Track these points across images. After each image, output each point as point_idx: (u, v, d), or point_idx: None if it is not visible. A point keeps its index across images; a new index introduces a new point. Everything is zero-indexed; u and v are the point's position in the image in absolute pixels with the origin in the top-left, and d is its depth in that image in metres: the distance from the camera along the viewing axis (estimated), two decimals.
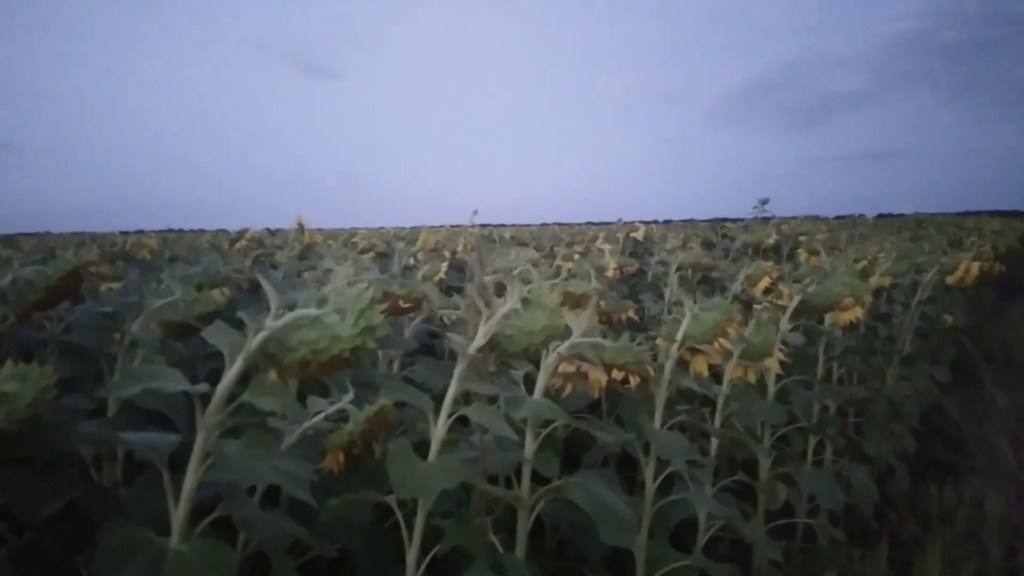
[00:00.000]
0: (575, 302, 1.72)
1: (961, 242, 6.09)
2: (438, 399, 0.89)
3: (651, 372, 1.25)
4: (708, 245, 4.58)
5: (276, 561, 0.82)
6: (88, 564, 1.08)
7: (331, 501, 0.85)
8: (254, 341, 0.70)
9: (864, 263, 3.07)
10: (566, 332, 1.10)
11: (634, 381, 1.22)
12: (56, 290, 1.06)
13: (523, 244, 4.96)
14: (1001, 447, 2.74)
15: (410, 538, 0.87)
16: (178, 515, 0.67)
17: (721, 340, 1.35)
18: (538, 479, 1.15)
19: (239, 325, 0.71)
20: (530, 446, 1.12)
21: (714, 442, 1.58)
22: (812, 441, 2.10)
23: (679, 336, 1.34)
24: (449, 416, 0.88)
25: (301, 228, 2.71)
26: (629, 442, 1.30)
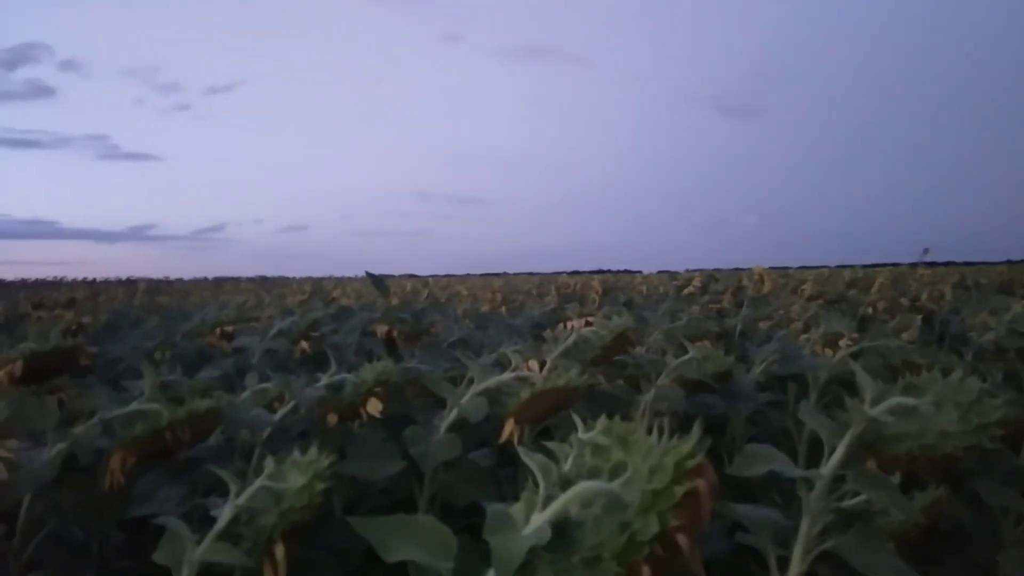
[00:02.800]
0: None
1: None
2: None
3: None
4: None
5: None
6: None
7: None
8: (856, 428, 0.69)
9: None
10: None
11: None
12: (609, 349, 1.22)
13: (1006, 292, 4.17)
14: None
15: None
16: None
17: None
18: None
19: None
20: None
21: None
22: None
23: None
24: None
25: (761, 278, 2.70)
26: None
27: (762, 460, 0.69)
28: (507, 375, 1.07)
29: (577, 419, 0.54)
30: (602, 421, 0.52)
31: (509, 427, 1.06)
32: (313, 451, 0.73)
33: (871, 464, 0.72)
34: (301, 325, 1.72)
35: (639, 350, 1.61)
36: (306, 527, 0.69)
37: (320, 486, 0.69)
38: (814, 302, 3.60)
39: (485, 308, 3.50)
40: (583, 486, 0.46)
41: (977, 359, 2.00)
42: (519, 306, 3.85)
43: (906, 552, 1.08)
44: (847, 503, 0.75)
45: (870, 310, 3.25)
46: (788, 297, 3.54)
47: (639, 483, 0.45)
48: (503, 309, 3.84)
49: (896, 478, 0.98)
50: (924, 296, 3.88)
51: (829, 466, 0.69)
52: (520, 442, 1.10)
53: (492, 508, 0.45)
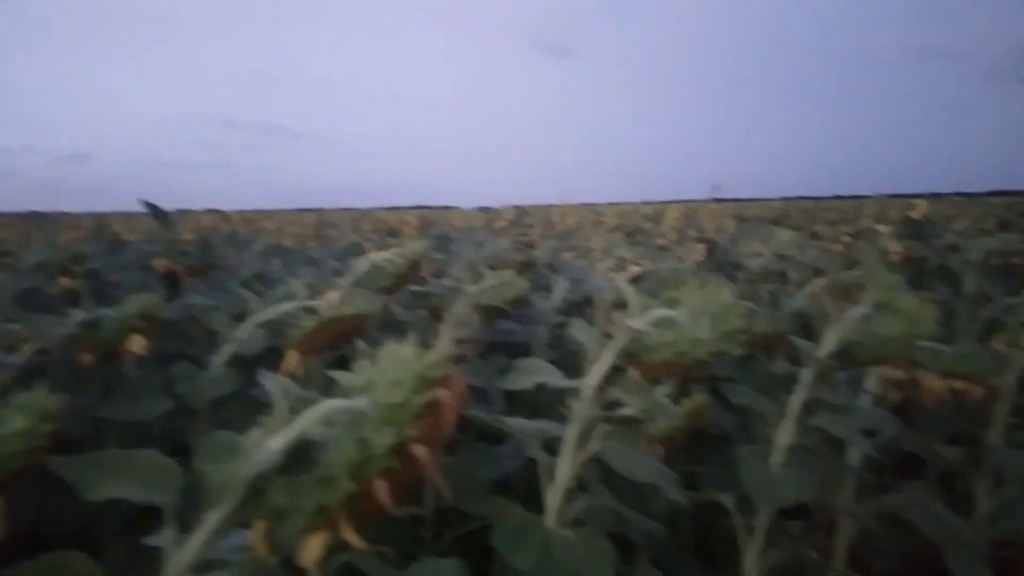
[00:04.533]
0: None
1: None
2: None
3: (998, 384, 1.11)
4: (1004, 226, 3.97)
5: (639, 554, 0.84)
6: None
7: (676, 496, 0.86)
8: (620, 340, 0.72)
9: None
10: None
11: (975, 392, 1.09)
12: (403, 276, 1.19)
13: (775, 223, 4.68)
14: None
15: (748, 542, 0.86)
16: (553, 500, 0.71)
17: None
18: None
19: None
20: (856, 456, 1.05)
21: None
22: None
23: None
24: (795, 422, 0.84)
25: (561, 211, 2.79)
26: (961, 459, 1.16)
27: (532, 373, 0.71)
28: (287, 305, 1.01)
29: (361, 346, 0.51)
30: (390, 346, 0.49)
31: (292, 358, 1.01)
32: (39, 392, 0.64)
33: (634, 373, 0.75)
34: (60, 258, 1.51)
35: (446, 281, 1.60)
36: (30, 474, 0.61)
37: (46, 428, 0.61)
38: (614, 234, 3.82)
39: (288, 243, 3.32)
40: (323, 404, 0.43)
41: (748, 282, 2.22)
42: (329, 242, 3.71)
43: (675, 455, 1.18)
44: (617, 412, 0.79)
45: (662, 241, 3.50)
46: (591, 230, 3.71)
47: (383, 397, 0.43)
48: (313, 245, 3.68)
49: (667, 388, 1.06)
50: (710, 228, 4.25)
51: (593, 376, 0.72)
52: (310, 374, 1.05)
53: (213, 436, 0.41)
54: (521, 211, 4.71)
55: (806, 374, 0.84)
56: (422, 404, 0.41)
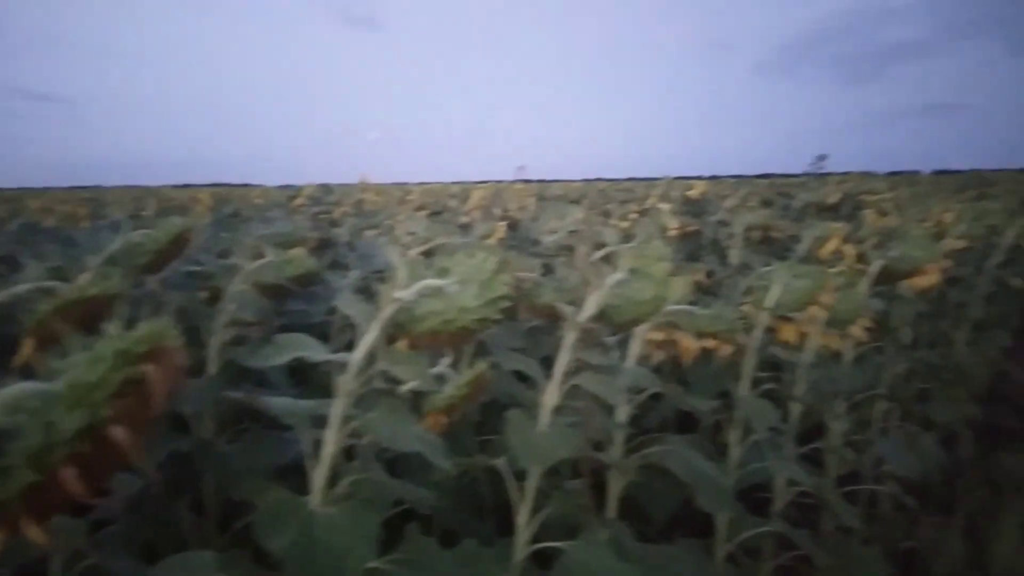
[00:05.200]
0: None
1: None
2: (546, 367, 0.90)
3: (742, 340, 1.24)
4: (766, 204, 4.48)
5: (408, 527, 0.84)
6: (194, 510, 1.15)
7: (443, 464, 0.87)
8: (386, 311, 0.71)
9: (931, 224, 2.99)
10: None
11: (725, 349, 1.22)
12: (165, 253, 1.09)
13: (573, 202, 4.92)
14: None
15: (520, 501, 0.89)
16: (319, 478, 0.69)
17: (813, 308, 1.34)
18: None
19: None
20: (623, 413, 1.13)
21: (794, 409, 1.57)
22: (882, 408, 2.08)
23: (769, 304, 1.32)
24: (560, 385, 0.89)
25: (363, 188, 2.73)
26: (716, 410, 1.30)
27: (291, 348, 0.68)
28: (20, 288, 0.89)
29: (110, 327, 0.45)
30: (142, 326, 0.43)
31: (28, 346, 0.89)
32: None
33: (403, 344, 0.75)
34: None
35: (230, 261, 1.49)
36: None
37: None
38: (420, 212, 3.81)
39: (53, 223, 2.95)
40: (7, 390, 0.38)
41: (544, 256, 2.31)
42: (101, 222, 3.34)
43: (470, 425, 1.20)
44: (391, 386, 0.78)
45: (466, 219, 3.55)
46: (396, 208, 3.67)
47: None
48: (87, 225, 3.29)
49: (448, 357, 1.07)
50: (513, 207, 4.37)
51: (360, 348, 0.71)
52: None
53: None
54: (325, 189, 4.55)
55: (569, 337, 0.89)
56: (122, 381, 0.37)
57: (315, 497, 0.69)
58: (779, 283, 1.33)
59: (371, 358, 0.71)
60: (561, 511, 0.95)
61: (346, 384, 0.70)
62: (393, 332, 0.74)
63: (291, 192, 4.39)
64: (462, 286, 0.76)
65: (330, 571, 0.60)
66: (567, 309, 0.89)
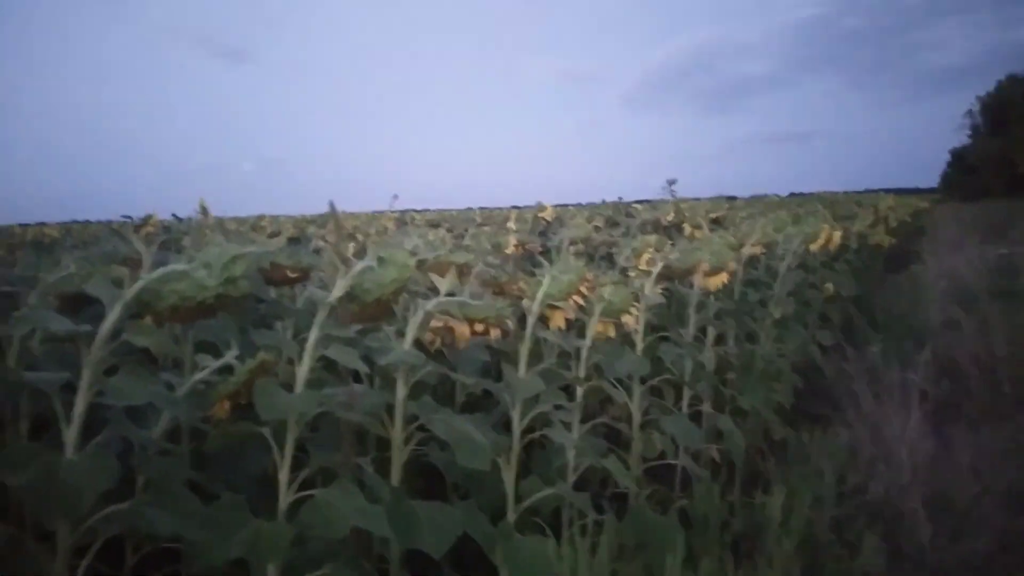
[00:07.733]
0: (459, 271, 1.89)
1: (853, 217, 6.62)
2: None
3: (511, 326, 1.43)
4: (613, 223, 4.83)
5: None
6: None
7: (213, 431, 0.99)
8: (130, 291, 0.84)
9: (739, 235, 3.37)
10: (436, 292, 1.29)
11: (495, 334, 1.40)
12: None
13: (435, 226, 5.11)
14: (860, 394, 3.07)
15: (281, 460, 1.02)
16: (70, 434, 0.80)
17: (575, 298, 1.55)
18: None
19: None
20: (401, 390, 1.28)
21: (579, 390, 1.78)
22: (687, 394, 2.33)
23: (539, 295, 1.52)
24: (313, 357, 1.03)
25: (204, 212, 2.78)
26: (498, 388, 1.48)
27: (33, 323, 0.79)
28: None
29: None
30: None
31: None
32: None
33: (149, 320, 0.87)
34: None
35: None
36: None
37: None
38: (275, 238, 3.87)
39: None
40: None
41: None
42: None
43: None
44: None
45: (322, 243, 3.65)
46: (249, 234, 3.72)
47: None
48: None
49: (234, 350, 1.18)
50: (372, 231, 4.51)
51: (106, 324, 0.82)
52: None
53: None
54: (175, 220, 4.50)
55: (319, 316, 1.03)
56: None
57: (67, 451, 0.80)
58: (548, 277, 1.54)
59: (116, 332, 0.83)
60: (315, 469, 1.08)
61: (94, 355, 0.81)
62: (139, 310, 0.86)
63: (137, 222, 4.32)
64: (205, 269, 0.90)
65: (68, 505, 0.71)
66: (316, 292, 1.04)
